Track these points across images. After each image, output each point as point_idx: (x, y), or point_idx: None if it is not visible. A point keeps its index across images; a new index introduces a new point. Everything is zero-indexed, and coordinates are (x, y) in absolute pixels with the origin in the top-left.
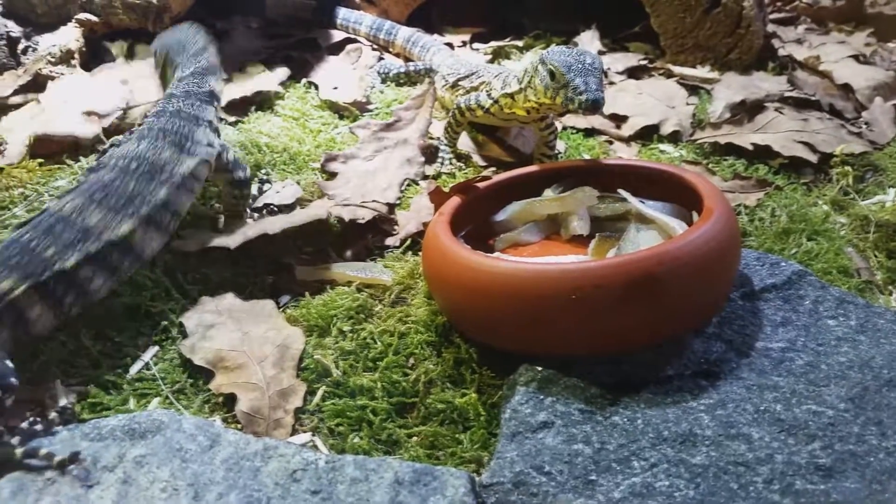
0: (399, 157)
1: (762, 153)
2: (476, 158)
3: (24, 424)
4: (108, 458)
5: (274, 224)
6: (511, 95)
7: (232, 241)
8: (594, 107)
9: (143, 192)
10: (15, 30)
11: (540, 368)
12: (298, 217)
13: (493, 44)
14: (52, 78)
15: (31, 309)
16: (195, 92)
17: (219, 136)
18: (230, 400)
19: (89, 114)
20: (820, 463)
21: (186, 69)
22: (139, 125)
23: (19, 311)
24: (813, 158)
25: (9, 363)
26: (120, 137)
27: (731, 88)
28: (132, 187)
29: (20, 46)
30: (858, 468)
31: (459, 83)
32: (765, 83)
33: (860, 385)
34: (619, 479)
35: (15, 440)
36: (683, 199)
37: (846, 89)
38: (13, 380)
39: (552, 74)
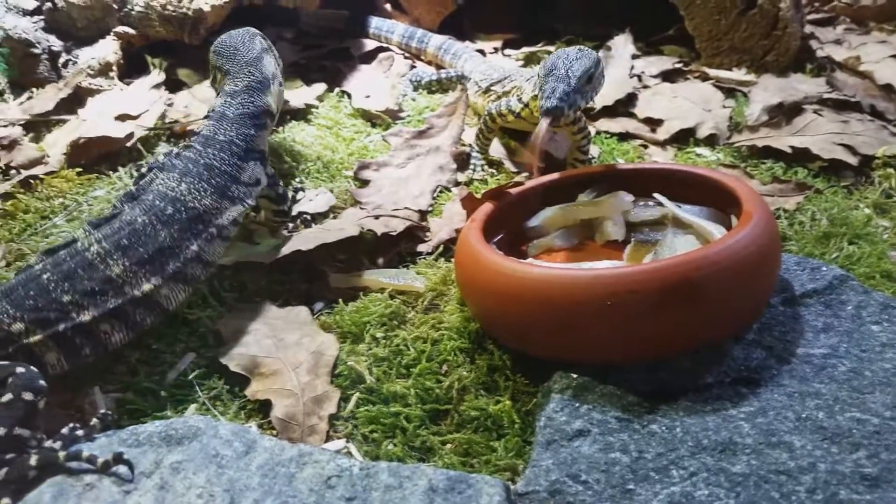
0: (431, 165)
1: (801, 156)
2: (508, 164)
3: (65, 430)
4: (145, 464)
5: (308, 240)
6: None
7: (267, 256)
8: (547, 114)
9: (174, 245)
10: (56, 44)
11: (575, 376)
12: (332, 234)
13: (525, 49)
14: (92, 92)
15: (45, 355)
16: (249, 114)
17: (267, 164)
18: (265, 406)
19: (122, 117)
20: (865, 472)
21: (239, 82)
22: (185, 144)
23: (33, 356)
24: (853, 161)
25: (34, 368)
26: (163, 158)
27: (768, 91)
28: (163, 237)
29: (61, 60)
30: None
31: (492, 88)
32: (803, 85)
33: None
34: (657, 488)
35: (57, 444)
36: (721, 203)
37: (888, 90)
38: (42, 382)
39: (540, 77)
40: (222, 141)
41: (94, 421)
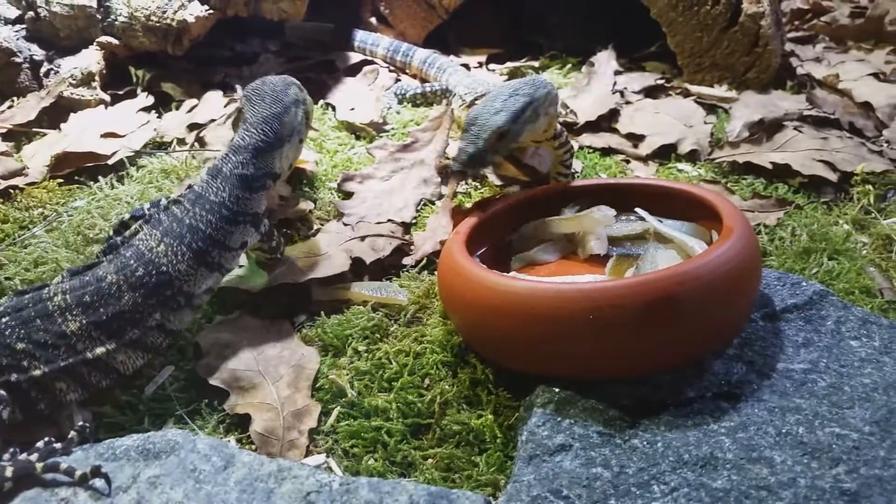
0: (416, 178)
1: (781, 172)
2: (492, 178)
3: (41, 444)
4: (122, 479)
5: (297, 273)
6: None
7: (254, 286)
8: (452, 176)
9: (137, 311)
10: (38, 53)
11: (557, 390)
12: (322, 268)
13: (510, 64)
14: (74, 102)
15: None
16: (247, 175)
17: (264, 222)
18: (245, 420)
19: (108, 135)
20: (845, 488)
21: (248, 137)
22: (175, 199)
23: None
24: (833, 177)
25: None
26: (149, 208)
27: (749, 107)
28: (125, 300)
29: (43, 69)
30: (885, 493)
31: (476, 102)
32: (783, 102)
33: (885, 407)
34: (638, 503)
35: (33, 457)
36: (702, 218)
37: (866, 107)
38: (1, 391)
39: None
40: (212, 201)
41: (72, 434)
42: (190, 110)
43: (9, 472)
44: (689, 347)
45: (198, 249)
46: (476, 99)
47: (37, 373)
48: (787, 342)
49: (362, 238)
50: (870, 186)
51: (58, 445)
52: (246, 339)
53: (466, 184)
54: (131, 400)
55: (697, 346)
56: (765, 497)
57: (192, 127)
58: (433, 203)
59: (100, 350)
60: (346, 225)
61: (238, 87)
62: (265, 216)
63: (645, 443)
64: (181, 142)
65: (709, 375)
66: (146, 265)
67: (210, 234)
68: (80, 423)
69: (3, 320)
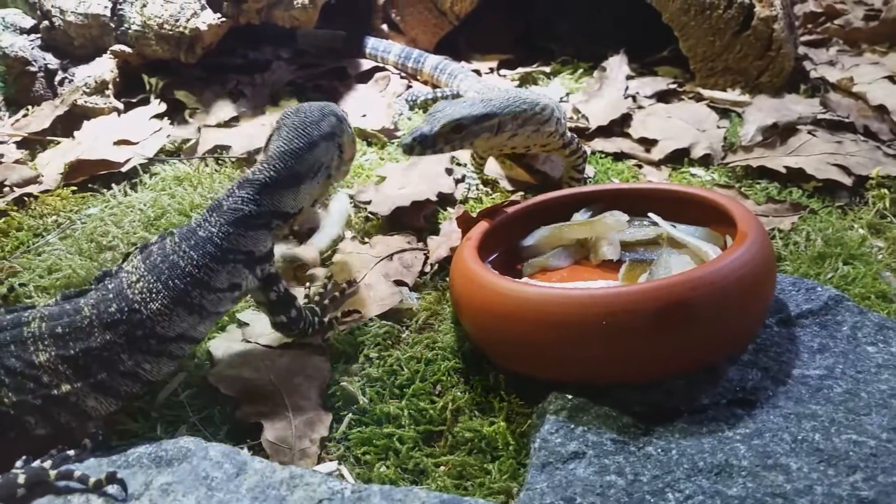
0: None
1: (796, 176)
2: (504, 183)
3: (54, 451)
4: (134, 486)
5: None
6: None
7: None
8: (403, 149)
9: (106, 354)
10: (53, 62)
11: (570, 396)
12: (374, 307)
13: (521, 70)
14: (88, 110)
15: None
16: (246, 213)
17: (263, 266)
18: (257, 428)
19: (121, 142)
20: (863, 496)
21: (261, 170)
22: (170, 231)
23: None
24: (848, 181)
25: None
26: (156, 238)
27: (762, 111)
28: (97, 342)
29: (57, 78)
30: None
31: None
32: (797, 106)
33: None
34: None
35: (46, 464)
36: (716, 223)
37: (881, 111)
38: None
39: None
40: (200, 237)
41: (86, 441)
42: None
43: (21, 479)
44: (703, 353)
45: (175, 289)
46: None
47: (6, 401)
48: (803, 348)
49: (390, 257)
50: (885, 190)
51: (71, 452)
52: (258, 348)
53: (478, 189)
54: (144, 407)
55: (711, 351)
56: None
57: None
58: (446, 209)
59: (66, 387)
60: (372, 214)
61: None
62: (267, 260)
63: (659, 450)
64: (194, 149)
65: (723, 382)
66: (121, 310)
67: (190, 272)
68: (93, 429)
69: None
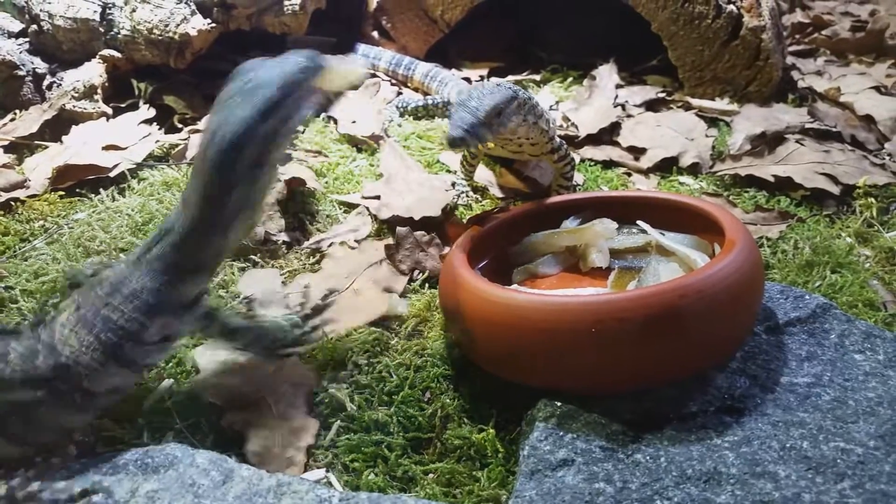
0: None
1: (784, 185)
2: (494, 190)
3: (38, 459)
4: (120, 493)
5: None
6: None
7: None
8: (451, 144)
9: (18, 408)
10: (41, 66)
11: (559, 404)
12: (362, 315)
13: (511, 78)
14: (76, 115)
15: None
16: (171, 263)
17: (198, 306)
18: (244, 436)
19: (109, 147)
20: (850, 503)
21: (182, 218)
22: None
23: None
24: (835, 190)
25: None
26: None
27: (750, 120)
28: (11, 397)
29: (45, 82)
30: None
31: None
32: (785, 115)
33: (890, 422)
34: None
35: (30, 473)
36: (704, 230)
37: (868, 120)
38: None
39: (453, 107)
40: (132, 289)
41: (70, 447)
42: None
43: (3, 490)
44: (691, 361)
45: (107, 341)
46: None
47: None
48: (791, 356)
49: (379, 262)
50: (872, 199)
51: (54, 460)
52: (244, 355)
53: (468, 196)
54: (130, 413)
55: (700, 359)
56: None
57: None
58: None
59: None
60: (378, 220)
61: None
62: (200, 299)
63: (648, 457)
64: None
65: (712, 389)
66: (37, 353)
67: (122, 325)
68: (78, 437)
69: None
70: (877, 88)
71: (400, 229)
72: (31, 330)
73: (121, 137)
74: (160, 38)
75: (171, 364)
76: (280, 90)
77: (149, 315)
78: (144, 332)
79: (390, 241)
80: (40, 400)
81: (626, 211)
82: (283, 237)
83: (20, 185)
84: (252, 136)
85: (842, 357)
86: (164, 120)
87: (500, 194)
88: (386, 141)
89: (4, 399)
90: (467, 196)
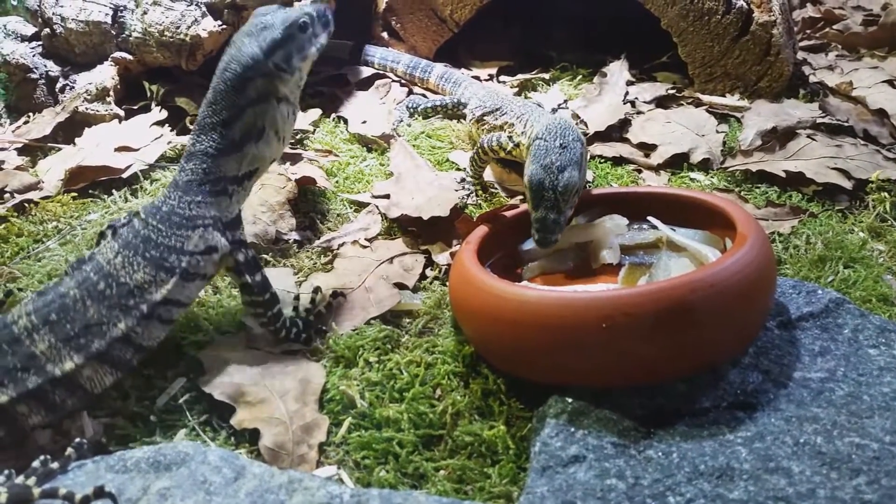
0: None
1: (795, 180)
2: (500, 192)
3: (37, 464)
4: (132, 491)
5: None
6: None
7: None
8: (541, 245)
9: (101, 322)
10: (54, 69)
11: (570, 400)
12: (372, 308)
13: (520, 76)
14: (89, 117)
15: None
16: (197, 181)
17: (233, 231)
18: (255, 433)
19: (122, 149)
20: (866, 499)
21: (198, 141)
22: (135, 212)
23: None
24: (848, 185)
25: None
26: (124, 219)
27: (761, 116)
28: (91, 314)
29: (58, 85)
30: None
31: (485, 118)
32: (796, 110)
33: None
34: None
35: (31, 481)
36: (715, 226)
37: (881, 114)
38: None
39: (526, 183)
40: (165, 212)
41: (69, 450)
42: None
43: (3, 497)
44: (703, 356)
45: (152, 257)
46: (485, 115)
47: (4, 399)
48: (804, 351)
49: (390, 260)
50: (885, 194)
51: (55, 465)
52: (250, 353)
53: (476, 195)
54: (142, 411)
55: (712, 354)
56: None
57: None
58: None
59: (68, 366)
60: (388, 218)
61: None
62: (236, 227)
63: (660, 453)
64: None
65: (724, 384)
66: (106, 279)
67: (162, 241)
68: (90, 434)
69: None
70: (889, 82)
71: None
72: (71, 269)
73: (133, 139)
74: (171, 40)
75: (183, 361)
76: (283, 32)
77: (187, 227)
78: (186, 244)
79: (400, 239)
80: (111, 314)
81: (636, 207)
82: (295, 236)
83: (34, 186)
84: (258, 68)
85: (856, 352)
86: (176, 121)
87: (508, 192)
88: (396, 140)
89: (83, 324)
90: (476, 195)
